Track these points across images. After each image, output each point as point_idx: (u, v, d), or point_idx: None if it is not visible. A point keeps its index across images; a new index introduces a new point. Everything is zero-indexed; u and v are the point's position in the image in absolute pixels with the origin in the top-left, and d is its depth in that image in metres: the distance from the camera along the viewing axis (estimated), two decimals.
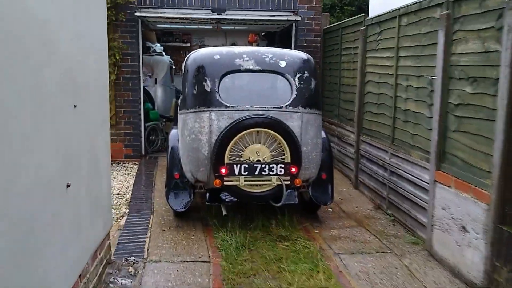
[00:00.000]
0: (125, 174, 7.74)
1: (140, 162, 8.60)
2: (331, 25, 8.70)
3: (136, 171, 7.93)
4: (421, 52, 4.90)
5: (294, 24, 8.89)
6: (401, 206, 5.36)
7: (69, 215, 2.97)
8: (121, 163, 8.58)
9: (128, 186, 6.99)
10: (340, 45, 7.84)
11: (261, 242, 4.74)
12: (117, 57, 8.23)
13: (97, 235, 3.68)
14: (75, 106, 3.03)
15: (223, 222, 5.18)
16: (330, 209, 5.99)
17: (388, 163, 5.72)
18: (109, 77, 8.27)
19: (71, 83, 2.99)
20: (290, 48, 9.75)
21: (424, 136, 4.81)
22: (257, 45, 13.23)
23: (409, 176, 5.14)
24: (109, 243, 4.21)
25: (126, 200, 6.34)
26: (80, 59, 3.18)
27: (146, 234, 5.00)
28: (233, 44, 15.81)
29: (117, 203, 6.21)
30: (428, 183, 4.63)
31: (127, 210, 5.88)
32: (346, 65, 7.56)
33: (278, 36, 10.80)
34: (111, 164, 8.27)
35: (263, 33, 11.55)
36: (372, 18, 6.41)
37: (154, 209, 5.91)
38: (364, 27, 6.60)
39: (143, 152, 8.96)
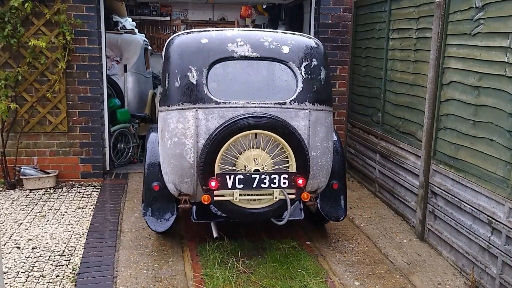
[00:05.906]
0: (79, 208, 5.35)
1: (102, 184, 6.21)
2: None
3: (95, 202, 5.55)
4: None
5: None
6: None
7: None
8: (76, 185, 6.17)
9: (80, 236, 4.63)
10: (388, 24, 5.52)
11: None
12: (68, 37, 5.74)
13: None
14: None
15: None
16: None
17: (503, 224, 3.50)
18: (57, 66, 5.83)
19: None
20: (302, 28, 7.42)
21: None
22: (253, 21, 10.84)
23: None
24: None
25: (73, 268, 4.00)
26: None
27: None
28: (222, 19, 13.37)
29: (57, 277, 3.87)
30: None
31: None
32: (400, 53, 5.26)
33: (285, 12, 8.39)
34: (60, 189, 6.21)
35: (264, 6, 9.08)
36: None
37: None
38: None
39: (107, 167, 6.58)
